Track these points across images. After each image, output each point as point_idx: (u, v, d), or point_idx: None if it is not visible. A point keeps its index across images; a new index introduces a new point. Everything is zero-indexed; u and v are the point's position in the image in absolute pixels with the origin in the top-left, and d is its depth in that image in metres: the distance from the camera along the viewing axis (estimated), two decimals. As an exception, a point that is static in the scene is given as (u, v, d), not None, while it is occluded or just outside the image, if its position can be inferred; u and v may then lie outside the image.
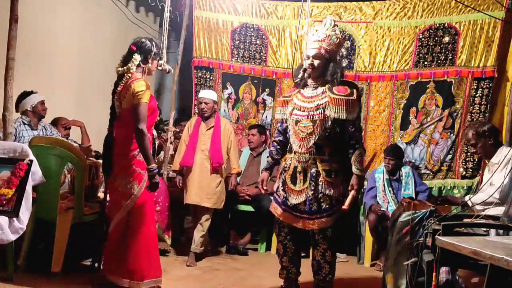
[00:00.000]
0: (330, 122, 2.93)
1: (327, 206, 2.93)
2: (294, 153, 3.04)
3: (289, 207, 3.01)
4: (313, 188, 2.93)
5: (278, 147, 3.26)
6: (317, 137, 2.95)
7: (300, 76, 3.11)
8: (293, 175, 3.02)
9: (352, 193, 2.92)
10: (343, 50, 4.92)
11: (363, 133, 4.74)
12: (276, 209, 3.10)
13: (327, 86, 2.99)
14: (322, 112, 2.94)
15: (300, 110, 3.03)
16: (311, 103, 3.00)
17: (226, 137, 4.10)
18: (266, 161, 3.35)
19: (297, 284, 3.22)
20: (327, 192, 2.93)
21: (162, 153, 4.55)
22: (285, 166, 3.09)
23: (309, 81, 3.07)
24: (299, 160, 2.99)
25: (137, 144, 2.86)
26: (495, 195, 2.69)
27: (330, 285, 3.05)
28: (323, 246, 2.97)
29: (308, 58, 3.00)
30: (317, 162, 2.96)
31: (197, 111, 4.42)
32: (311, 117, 2.97)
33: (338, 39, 3.01)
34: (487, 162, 3.21)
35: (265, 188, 3.23)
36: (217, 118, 4.14)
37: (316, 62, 2.97)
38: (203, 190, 3.95)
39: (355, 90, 2.97)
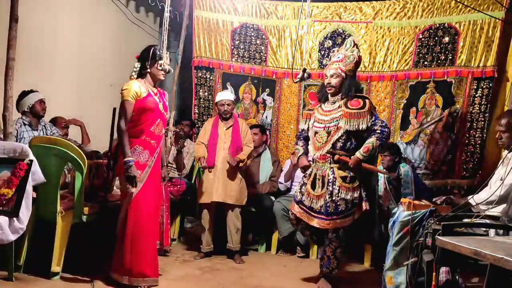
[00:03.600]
0: (342, 134, 3.27)
1: (343, 209, 3.24)
2: (314, 161, 3.45)
3: (306, 207, 3.37)
4: (330, 193, 3.26)
5: (305, 141, 3.61)
6: (330, 147, 3.29)
7: (300, 76, 3.46)
8: (313, 181, 3.39)
9: (345, 161, 3.23)
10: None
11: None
12: (293, 206, 3.48)
13: (343, 101, 3.34)
14: (336, 124, 3.30)
15: (318, 123, 3.42)
16: (328, 116, 3.37)
17: (243, 134, 4.19)
18: (301, 149, 3.58)
19: None
20: (343, 196, 3.25)
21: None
22: (307, 173, 3.47)
23: (330, 97, 3.43)
24: (318, 168, 3.38)
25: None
26: (498, 192, 2.65)
27: (335, 276, 3.36)
28: (334, 243, 3.29)
29: (327, 77, 3.38)
30: (334, 169, 3.31)
31: (202, 113, 4.42)
32: (327, 128, 3.35)
33: (355, 59, 3.36)
34: (502, 155, 3.14)
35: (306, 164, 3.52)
36: (234, 117, 4.26)
37: (333, 81, 3.35)
38: (227, 188, 4.02)
39: (367, 101, 3.31)
